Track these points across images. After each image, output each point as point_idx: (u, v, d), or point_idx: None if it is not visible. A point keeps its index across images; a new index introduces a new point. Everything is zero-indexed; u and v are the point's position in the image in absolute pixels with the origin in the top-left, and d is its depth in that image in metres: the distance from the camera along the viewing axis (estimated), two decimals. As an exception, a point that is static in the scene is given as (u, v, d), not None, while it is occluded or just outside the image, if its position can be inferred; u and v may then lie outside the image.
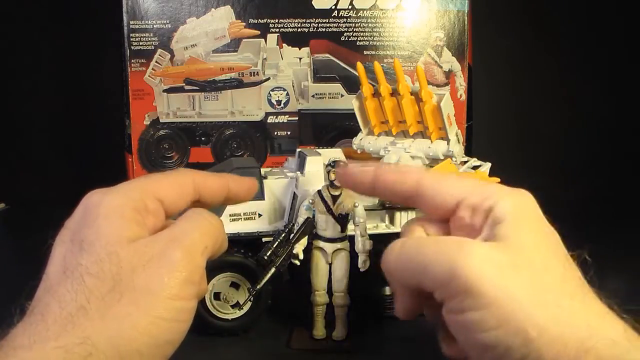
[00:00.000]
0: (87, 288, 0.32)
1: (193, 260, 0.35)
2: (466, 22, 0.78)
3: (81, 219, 0.36)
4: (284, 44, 0.76)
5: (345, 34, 0.77)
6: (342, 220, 0.52)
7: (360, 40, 0.77)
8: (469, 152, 0.78)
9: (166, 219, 0.38)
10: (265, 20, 0.76)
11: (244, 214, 0.57)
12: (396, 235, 0.58)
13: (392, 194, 0.40)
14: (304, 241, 0.52)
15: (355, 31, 0.77)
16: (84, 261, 0.33)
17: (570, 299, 0.32)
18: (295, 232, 0.52)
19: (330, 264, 0.54)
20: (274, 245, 0.51)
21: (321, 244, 0.53)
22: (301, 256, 0.52)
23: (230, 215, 0.56)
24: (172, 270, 0.34)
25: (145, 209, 0.37)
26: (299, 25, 0.76)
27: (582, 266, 0.35)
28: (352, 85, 0.77)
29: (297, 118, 0.78)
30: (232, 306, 0.56)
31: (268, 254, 0.50)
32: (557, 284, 0.32)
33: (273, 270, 0.51)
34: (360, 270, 0.54)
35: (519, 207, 0.35)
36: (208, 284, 0.55)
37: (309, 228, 0.53)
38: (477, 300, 0.32)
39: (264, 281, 0.51)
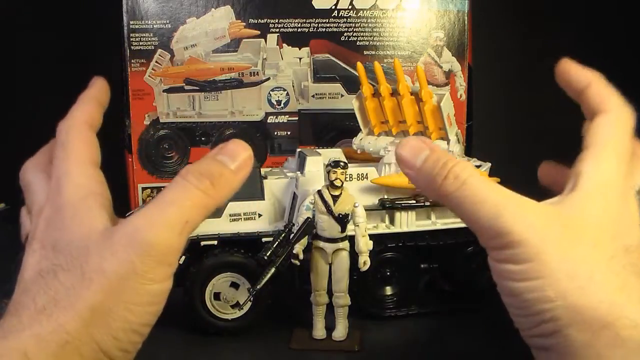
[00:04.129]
0: (59, 282, 0.32)
1: (167, 241, 0.33)
2: (466, 22, 0.78)
3: (48, 226, 0.35)
4: (284, 44, 0.76)
5: (345, 34, 0.77)
6: (342, 220, 0.52)
7: (360, 40, 0.77)
8: (469, 152, 0.78)
9: None
10: (265, 20, 0.76)
11: (244, 214, 0.57)
12: (396, 236, 0.58)
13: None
14: (304, 241, 0.52)
15: (355, 31, 0.77)
16: (57, 261, 0.33)
17: (608, 275, 0.33)
18: (295, 232, 0.52)
19: (330, 264, 0.54)
20: (274, 245, 0.51)
21: (321, 244, 0.53)
22: (301, 256, 0.52)
23: (230, 215, 0.56)
24: (142, 255, 0.32)
25: (98, 184, 0.36)
26: (299, 25, 0.76)
27: None
28: (352, 85, 0.77)
29: (297, 118, 0.78)
30: (232, 306, 0.56)
31: (268, 254, 0.50)
32: (601, 261, 0.33)
33: (273, 270, 0.51)
34: (360, 270, 0.54)
35: (604, 184, 0.36)
36: (208, 284, 0.56)
37: (309, 228, 0.52)
38: (514, 257, 0.33)
39: (264, 281, 0.51)
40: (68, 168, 0.37)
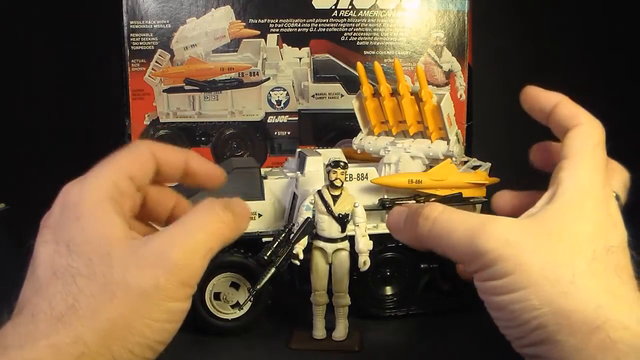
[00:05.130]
0: (78, 288, 0.32)
1: (193, 263, 0.35)
2: (466, 22, 0.78)
3: (62, 217, 0.35)
4: (284, 44, 0.76)
5: (345, 34, 0.77)
6: (342, 220, 0.52)
7: (360, 40, 0.77)
8: (469, 152, 0.78)
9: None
10: (265, 20, 0.76)
11: (244, 214, 0.57)
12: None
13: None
14: (304, 241, 0.52)
15: (355, 31, 0.77)
16: (74, 263, 0.33)
17: (590, 278, 0.33)
18: (295, 232, 0.52)
19: (330, 264, 0.54)
20: (274, 245, 0.51)
21: (321, 244, 0.53)
22: (301, 256, 0.52)
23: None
24: (169, 273, 0.33)
25: (121, 194, 0.36)
26: (299, 25, 0.76)
27: None
28: (352, 85, 0.77)
29: (297, 118, 0.78)
30: (232, 306, 0.56)
31: (268, 254, 0.50)
32: (581, 265, 0.34)
33: (273, 270, 0.51)
34: (360, 270, 0.54)
35: (581, 189, 0.37)
36: (208, 284, 0.55)
37: (309, 228, 0.52)
38: (495, 273, 0.34)
39: (264, 281, 0.51)
40: (101, 168, 0.37)
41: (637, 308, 0.33)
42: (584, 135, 0.39)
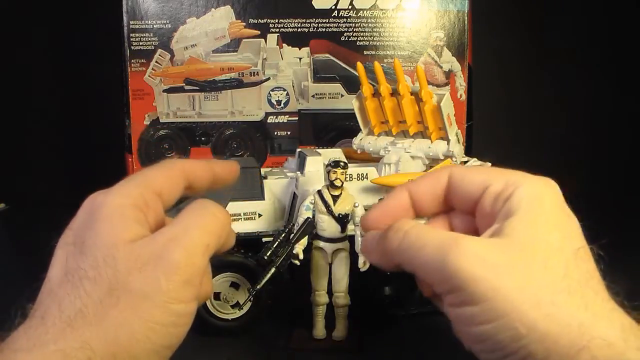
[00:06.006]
0: (85, 292, 0.32)
1: (193, 261, 0.34)
2: (466, 22, 0.78)
3: (83, 220, 0.35)
4: (284, 44, 0.77)
5: (345, 34, 0.77)
6: (342, 220, 0.52)
7: (360, 40, 0.77)
8: (469, 152, 0.78)
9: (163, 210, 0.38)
10: (265, 20, 0.76)
11: (244, 214, 0.57)
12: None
13: (431, 200, 0.39)
14: (304, 241, 0.52)
15: (355, 31, 0.77)
16: (83, 264, 0.33)
17: (567, 296, 0.32)
18: (295, 232, 0.52)
19: (330, 264, 0.54)
20: (274, 245, 0.51)
21: (321, 244, 0.53)
22: (301, 256, 0.52)
23: (230, 216, 0.56)
24: (169, 273, 0.33)
25: (146, 205, 0.36)
26: (299, 25, 0.76)
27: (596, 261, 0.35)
28: (352, 85, 0.77)
29: (297, 118, 0.78)
30: (232, 306, 0.56)
31: (268, 254, 0.50)
32: (556, 282, 0.32)
33: (273, 270, 0.51)
34: (360, 270, 0.54)
35: (534, 198, 0.35)
36: (208, 284, 0.55)
37: (309, 228, 0.52)
38: (469, 297, 0.32)
39: (264, 281, 0.51)
40: (129, 180, 0.37)
41: (616, 318, 0.32)
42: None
